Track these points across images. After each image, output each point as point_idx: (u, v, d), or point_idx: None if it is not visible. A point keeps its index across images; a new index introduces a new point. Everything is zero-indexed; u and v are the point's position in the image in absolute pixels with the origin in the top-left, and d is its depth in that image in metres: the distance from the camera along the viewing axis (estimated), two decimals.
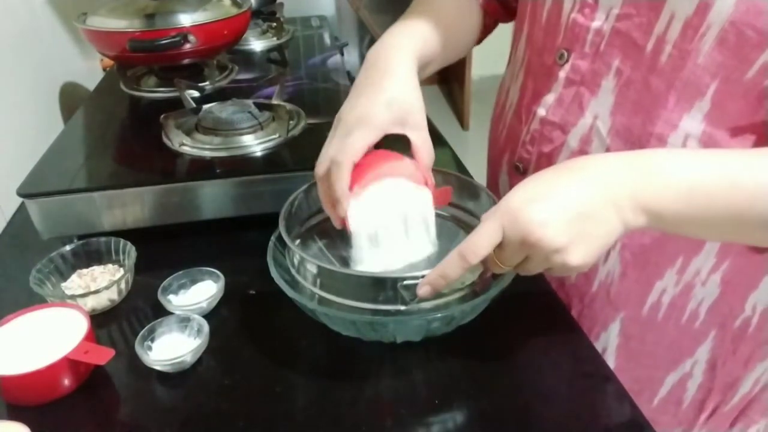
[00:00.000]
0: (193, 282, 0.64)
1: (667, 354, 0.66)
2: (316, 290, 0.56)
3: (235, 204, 0.72)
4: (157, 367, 0.54)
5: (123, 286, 0.64)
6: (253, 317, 0.62)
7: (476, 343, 0.57)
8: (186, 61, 0.99)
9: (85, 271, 0.67)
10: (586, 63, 0.57)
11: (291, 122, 0.81)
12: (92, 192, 0.69)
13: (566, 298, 0.67)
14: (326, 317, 0.53)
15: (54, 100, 1.06)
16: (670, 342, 0.65)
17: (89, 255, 0.67)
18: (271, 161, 0.76)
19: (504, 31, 0.76)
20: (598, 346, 0.64)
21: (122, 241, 0.67)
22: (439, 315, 0.52)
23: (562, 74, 0.60)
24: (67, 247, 0.66)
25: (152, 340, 0.56)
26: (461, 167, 0.89)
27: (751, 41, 0.47)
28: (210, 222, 0.73)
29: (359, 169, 0.52)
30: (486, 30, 0.74)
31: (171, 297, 0.62)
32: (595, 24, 0.56)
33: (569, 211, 0.44)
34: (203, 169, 0.74)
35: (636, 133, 0.55)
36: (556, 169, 0.47)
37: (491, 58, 2.34)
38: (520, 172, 0.67)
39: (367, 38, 1.58)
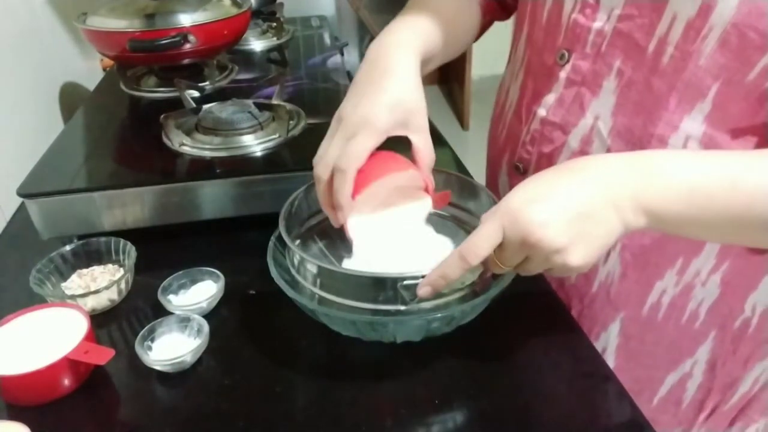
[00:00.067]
0: (193, 282, 0.64)
1: (666, 354, 0.66)
2: (316, 290, 0.56)
3: (235, 204, 0.72)
4: (157, 367, 0.54)
5: (123, 286, 0.64)
6: (253, 317, 0.62)
7: (476, 343, 0.57)
8: (186, 61, 0.99)
9: (85, 271, 0.67)
10: (587, 63, 0.57)
11: (291, 122, 0.81)
12: (92, 192, 0.69)
13: (566, 299, 0.67)
14: (326, 317, 0.53)
15: (54, 100, 1.06)
16: (670, 342, 0.65)
17: (89, 255, 0.67)
18: (271, 161, 0.76)
19: (504, 30, 0.76)
20: (598, 346, 0.64)
21: (122, 241, 0.67)
22: (439, 315, 0.52)
23: (562, 74, 0.60)
24: (67, 247, 0.66)
25: (152, 340, 0.56)
26: (461, 167, 0.88)
27: (753, 43, 0.47)
28: (210, 222, 0.73)
29: (361, 175, 0.52)
30: (483, 28, 0.74)
31: (171, 297, 0.62)
32: (597, 24, 0.56)
33: (569, 212, 0.43)
34: (203, 169, 0.74)
35: (637, 133, 0.55)
36: (557, 170, 0.47)
37: (491, 57, 2.35)
38: (520, 172, 0.67)
39: (367, 38, 1.58)
